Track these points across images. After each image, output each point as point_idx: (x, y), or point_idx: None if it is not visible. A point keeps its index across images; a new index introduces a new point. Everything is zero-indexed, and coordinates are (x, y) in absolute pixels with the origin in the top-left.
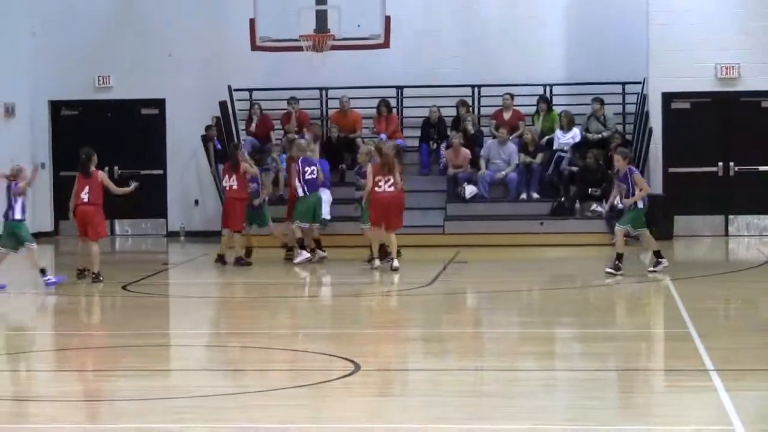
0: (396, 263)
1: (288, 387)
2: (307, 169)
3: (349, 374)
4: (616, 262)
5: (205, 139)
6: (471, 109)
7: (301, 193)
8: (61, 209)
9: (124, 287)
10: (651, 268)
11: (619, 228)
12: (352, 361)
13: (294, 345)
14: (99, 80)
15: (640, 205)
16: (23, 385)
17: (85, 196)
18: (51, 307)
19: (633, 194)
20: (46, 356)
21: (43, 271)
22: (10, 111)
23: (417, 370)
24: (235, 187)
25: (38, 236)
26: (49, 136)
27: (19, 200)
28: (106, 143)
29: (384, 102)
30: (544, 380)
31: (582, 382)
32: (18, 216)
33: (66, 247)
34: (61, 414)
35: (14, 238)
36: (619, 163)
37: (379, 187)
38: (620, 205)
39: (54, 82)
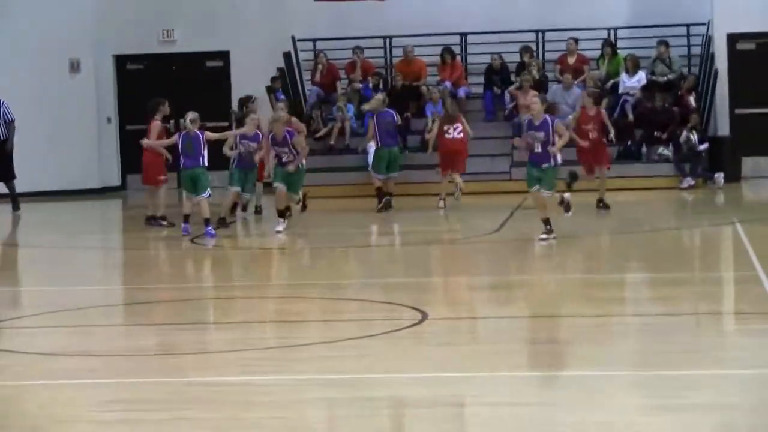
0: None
1: (355, 337)
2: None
3: (417, 323)
4: (548, 227)
5: (270, 91)
6: (535, 54)
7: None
8: (127, 163)
9: (191, 240)
10: (543, 236)
11: (546, 194)
12: (419, 310)
13: (361, 295)
14: (163, 34)
15: (558, 161)
16: (90, 340)
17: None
18: (119, 260)
19: (553, 143)
20: (113, 310)
21: (207, 221)
22: (75, 66)
23: (485, 318)
24: None
25: (106, 191)
26: (115, 91)
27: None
28: (171, 96)
29: (447, 50)
30: (613, 326)
31: (651, 326)
32: (207, 163)
33: (134, 200)
34: (127, 368)
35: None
36: (536, 107)
37: (448, 134)
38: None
39: (118, 36)
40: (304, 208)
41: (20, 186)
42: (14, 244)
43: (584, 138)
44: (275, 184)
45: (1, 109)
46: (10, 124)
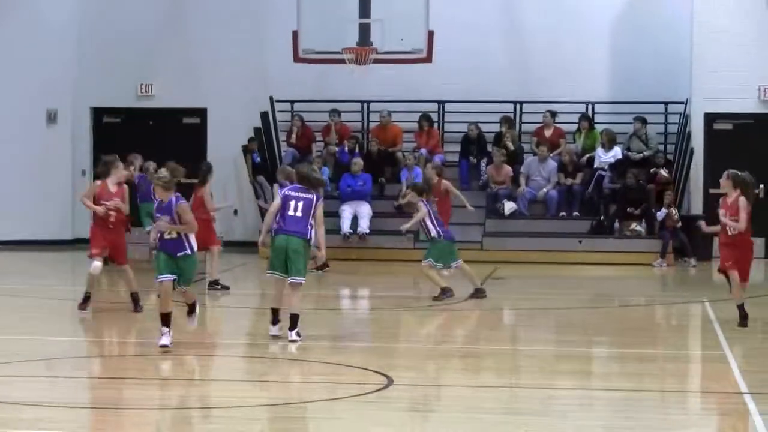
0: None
1: (320, 399)
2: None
3: (382, 388)
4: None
5: (246, 150)
6: (513, 125)
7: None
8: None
9: (159, 296)
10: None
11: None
12: (385, 376)
13: (327, 357)
14: (141, 88)
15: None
16: (51, 392)
17: None
18: (87, 315)
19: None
20: (78, 363)
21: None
22: (52, 117)
23: (451, 386)
24: None
25: (77, 242)
26: (91, 144)
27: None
28: (147, 151)
29: (425, 116)
30: (579, 399)
31: (617, 402)
32: None
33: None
34: (89, 422)
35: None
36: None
37: None
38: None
39: (96, 89)
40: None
41: None
42: None
43: (723, 232)
44: (157, 277)
45: None
46: None
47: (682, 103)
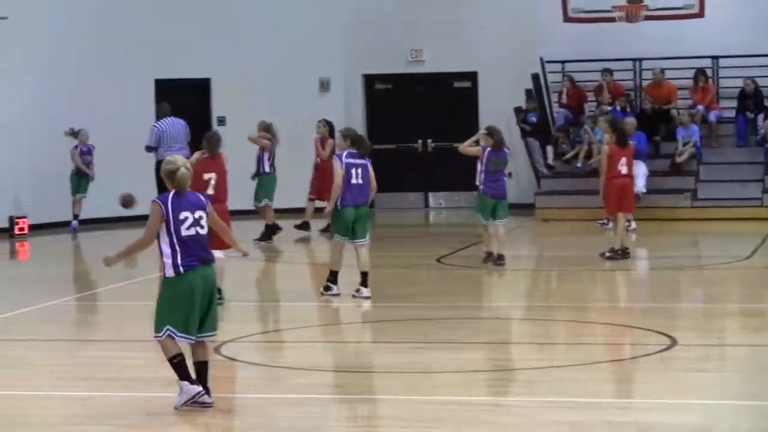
0: None
1: (603, 361)
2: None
3: (666, 349)
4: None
5: (519, 111)
6: None
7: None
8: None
9: (438, 260)
10: None
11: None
12: (668, 336)
13: (607, 318)
14: (412, 54)
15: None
16: (340, 357)
17: None
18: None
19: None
20: (362, 328)
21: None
22: (325, 85)
23: (736, 345)
24: None
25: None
26: (363, 110)
27: None
28: (418, 116)
29: (701, 72)
30: None
31: None
32: None
33: (381, 219)
34: (376, 385)
35: None
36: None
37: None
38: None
39: (368, 56)
40: None
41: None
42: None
43: None
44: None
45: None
46: (150, 150)
47: None
